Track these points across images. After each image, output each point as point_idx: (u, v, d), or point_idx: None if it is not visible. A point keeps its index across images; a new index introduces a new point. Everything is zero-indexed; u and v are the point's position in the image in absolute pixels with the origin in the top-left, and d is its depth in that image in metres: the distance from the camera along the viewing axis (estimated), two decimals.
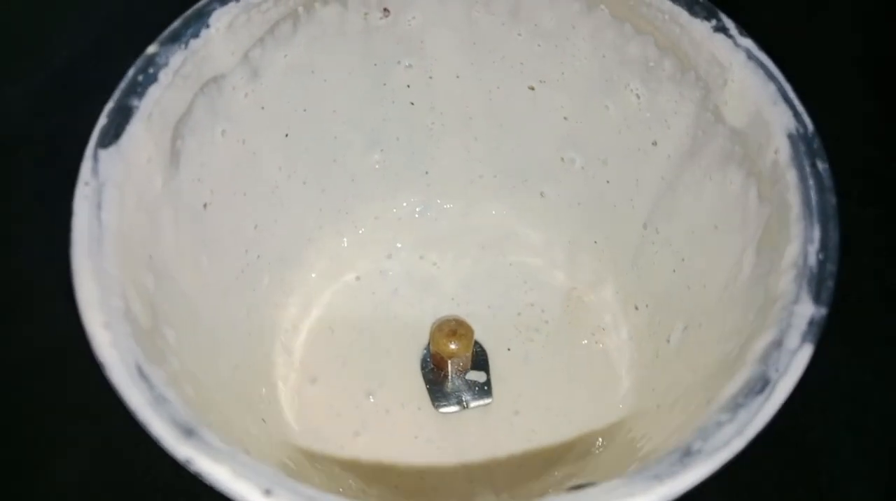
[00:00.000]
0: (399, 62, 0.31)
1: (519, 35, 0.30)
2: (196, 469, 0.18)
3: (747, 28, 0.25)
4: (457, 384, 0.32)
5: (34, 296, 0.36)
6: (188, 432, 0.18)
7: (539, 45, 0.30)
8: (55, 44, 0.44)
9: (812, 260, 0.20)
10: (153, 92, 0.24)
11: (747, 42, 0.25)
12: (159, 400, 0.19)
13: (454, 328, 0.31)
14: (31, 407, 0.34)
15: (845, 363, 0.34)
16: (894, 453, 0.33)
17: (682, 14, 0.26)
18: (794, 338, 0.19)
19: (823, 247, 0.21)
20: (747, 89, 0.24)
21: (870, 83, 0.43)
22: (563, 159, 0.33)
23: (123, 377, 0.19)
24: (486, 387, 0.32)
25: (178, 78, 0.25)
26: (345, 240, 0.35)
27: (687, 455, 0.18)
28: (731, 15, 0.25)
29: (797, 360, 0.19)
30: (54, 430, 0.33)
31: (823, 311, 0.20)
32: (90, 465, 0.32)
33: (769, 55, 0.24)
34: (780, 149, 0.23)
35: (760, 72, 0.24)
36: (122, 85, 0.24)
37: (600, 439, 0.30)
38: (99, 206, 0.22)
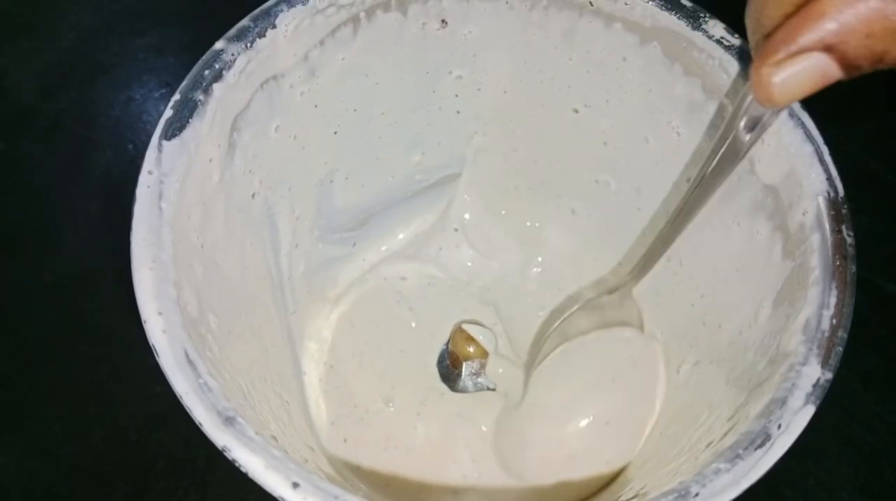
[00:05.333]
0: (451, 72, 0.32)
1: (570, 59, 0.31)
2: (232, 457, 0.19)
3: None
4: (466, 385, 0.33)
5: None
6: (228, 421, 0.20)
7: (588, 72, 0.31)
8: (64, 24, 0.45)
9: (825, 324, 0.21)
10: (218, 90, 0.25)
11: None
12: (203, 388, 0.20)
13: (474, 333, 0.32)
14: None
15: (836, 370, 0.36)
16: (878, 458, 0.35)
17: (732, 63, 0.26)
18: (798, 399, 0.20)
19: (838, 313, 0.22)
20: (784, 147, 0.25)
21: (874, 91, 0.44)
22: (597, 181, 0.34)
23: (171, 363, 0.20)
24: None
25: (242, 76, 0.26)
26: (379, 235, 0.36)
27: (684, 497, 0.19)
28: None
29: (798, 419, 0.20)
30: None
31: (829, 375, 0.21)
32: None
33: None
34: (808, 211, 0.23)
35: (800, 131, 0.25)
36: (188, 78, 0.25)
37: (602, 459, 0.32)
38: (160, 196, 0.23)
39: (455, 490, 0.31)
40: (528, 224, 0.37)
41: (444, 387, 0.33)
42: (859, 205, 0.39)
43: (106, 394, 0.34)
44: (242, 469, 0.19)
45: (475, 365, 0.33)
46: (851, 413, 0.35)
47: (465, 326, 0.33)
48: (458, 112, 0.34)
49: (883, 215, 0.40)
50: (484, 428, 0.32)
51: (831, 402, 0.35)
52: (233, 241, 0.28)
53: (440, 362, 0.34)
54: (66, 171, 0.40)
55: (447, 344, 0.34)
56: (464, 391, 0.33)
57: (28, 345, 0.36)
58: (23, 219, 0.39)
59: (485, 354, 0.32)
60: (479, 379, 0.34)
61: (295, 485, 0.19)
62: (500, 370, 0.33)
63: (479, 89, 0.33)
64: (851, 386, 0.36)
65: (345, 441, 0.31)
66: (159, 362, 0.21)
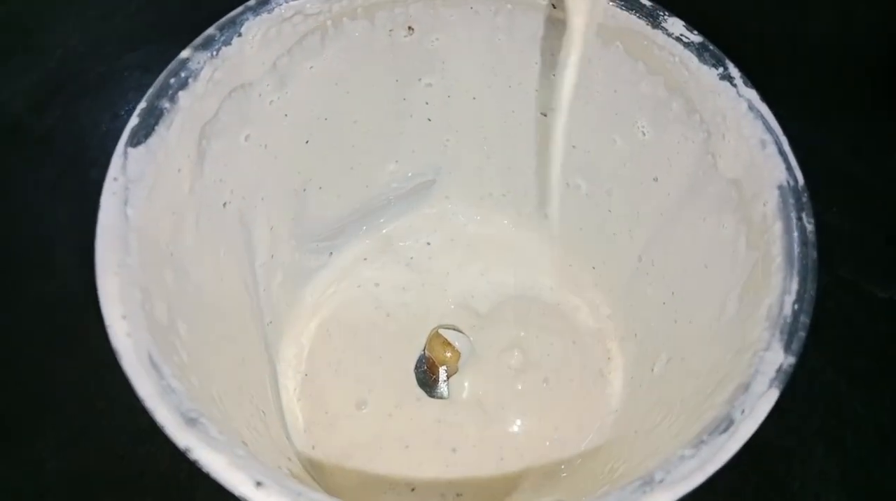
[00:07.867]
0: (420, 79, 0.33)
1: (536, 63, 0.31)
2: (194, 457, 0.19)
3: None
4: (443, 390, 0.33)
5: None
6: (190, 421, 0.20)
7: (554, 75, 0.31)
8: (51, 40, 0.45)
9: (787, 310, 0.22)
10: (184, 98, 0.25)
11: (750, 93, 0.26)
12: (166, 390, 0.20)
13: (451, 338, 0.32)
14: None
15: (821, 371, 0.36)
16: (865, 460, 0.34)
17: (692, 59, 0.27)
18: (761, 383, 0.20)
19: (799, 299, 0.22)
20: (745, 139, 0.25)
21: (857, 96, 0.44)
22: (568, 184, 0.34)
23: (135, 366, 0.20)
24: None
25: (209, 84, 0.26)
26: (355, 243, 0.37)
27: (648, 484, 0.19)
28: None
29: (762, 404, 0.20)
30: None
31: (792, 360, 0.21)
32: None
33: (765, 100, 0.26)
34: (769, 201, 0.24)
35: (759, 123, 0.25)
36: (154, 86, 0.25)
37: (580, 459, 0.32)
38: (125, 202, 0.23)
39: (428, 494, 0.30)
40: (503, 229, 0.37)
41: (422, 393, 0.33)
42: (844, 210, 0.40)
43: (93, 409, 0.34)
44: (205, 470, 0.19)
45: (452, 370, 0.33)
46: (838, 415, 0.35)
47: (441, 331, 0.33)
48: (430, 120, 0.34)
49: (868, 219, 0.41)
50: (467, 433, 0.32)
51: (818, 404, 0.35)
52: (205, 251, 0.28)
53: (417, 367, 0.34)
54: (54, 188, 0.40)
55: (424, 349, 0.34)
56: (441, 396, 0.33)
57: (15, 360, 0.36)
58: (10, 236, 0.39)
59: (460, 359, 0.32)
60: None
61: (258, 484, 0.19)
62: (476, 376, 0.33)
63: (448, 96, 0.33)
64: (838, 388, 0.36)
65: (313, 447, 0.31)
66: (122, 365, 0.21)
